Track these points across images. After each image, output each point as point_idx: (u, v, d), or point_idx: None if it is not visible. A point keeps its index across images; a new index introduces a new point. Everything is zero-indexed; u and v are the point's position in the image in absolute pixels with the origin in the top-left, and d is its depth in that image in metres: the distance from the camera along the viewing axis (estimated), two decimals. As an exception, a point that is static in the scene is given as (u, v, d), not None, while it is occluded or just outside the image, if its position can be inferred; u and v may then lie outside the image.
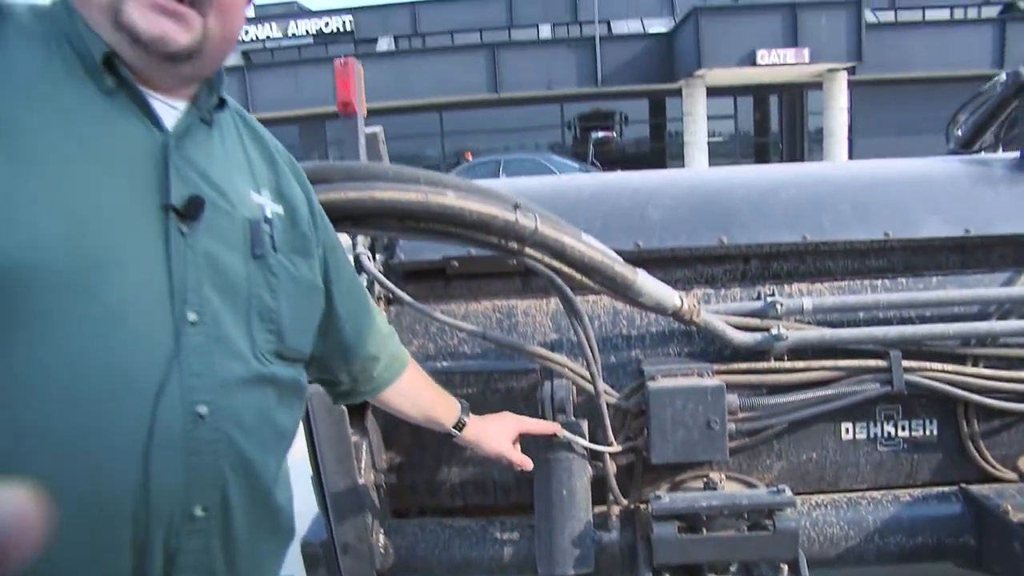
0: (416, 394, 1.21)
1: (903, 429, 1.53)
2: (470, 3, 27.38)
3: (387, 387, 1.17)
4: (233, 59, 28.46)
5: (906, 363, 1.46)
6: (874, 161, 1.91)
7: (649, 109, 24.13)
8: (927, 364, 1.48)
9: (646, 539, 1.28)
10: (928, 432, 1.53)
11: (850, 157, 19.07)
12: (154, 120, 0.82)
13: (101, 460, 0.73)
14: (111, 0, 0.79)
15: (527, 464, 1.31)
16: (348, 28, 28.01)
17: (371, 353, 1.12)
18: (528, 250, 1.20)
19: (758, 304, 1.52)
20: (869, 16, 19.91)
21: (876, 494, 1.51)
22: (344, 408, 1.35)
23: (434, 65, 21.72)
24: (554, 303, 1.58)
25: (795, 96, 22.32)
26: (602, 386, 1.36)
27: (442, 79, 21.14)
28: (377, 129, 1.90)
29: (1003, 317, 1.53)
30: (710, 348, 1.53)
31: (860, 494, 1.52)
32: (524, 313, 1.59)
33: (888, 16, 24.30)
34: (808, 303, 1.50)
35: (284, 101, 21.93)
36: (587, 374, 1.38)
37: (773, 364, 1.49)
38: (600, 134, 19.60)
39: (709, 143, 19.88)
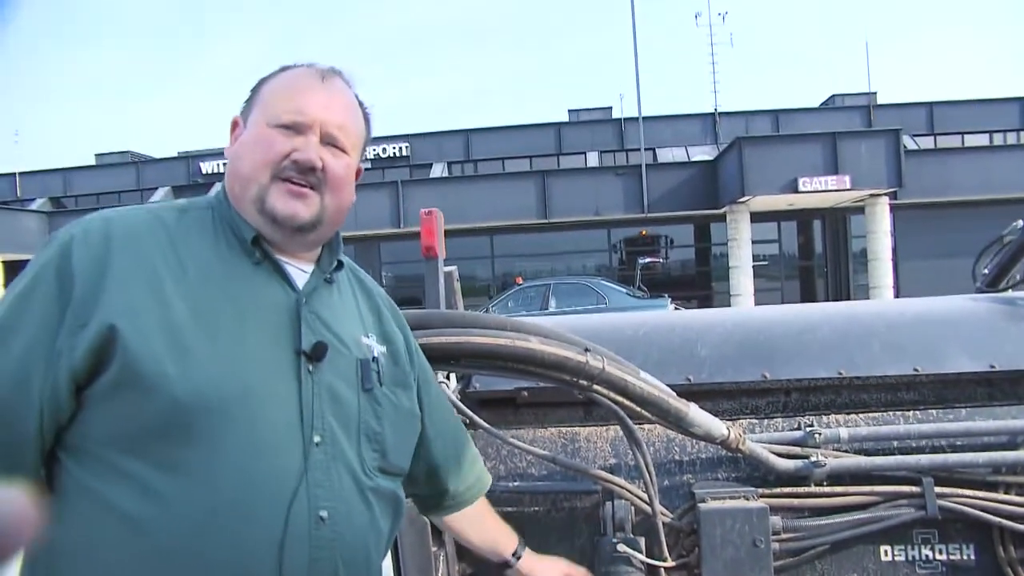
0: (483, 520, 1.39)
1: (940, 553, 1.63)
2: (520, 131, 28.81)
3: (467, 505, 1.36)
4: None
5: (939, 489, 1.59)
6: (903, 300, 2.09)
7: (694, 234, 24.60)
8: (960, 491, 1.60)
9: None
10: (965, 556, 1.63)
11: (895, 279, 19.03)
12: (289, 283, 1.07)
13: (253, 546, 0.94)
14: (258, 194, 1.06)
15: None
16: (404, 153, 29.55)
17: (459, 473, 1.32)
18: (596, 387, 1.41)
19: (799, 433, 1.68)
20: (908, 142, 20.39)
21: None
22: (427, 520, 1.53)
23: (485, 190, 22.59)
24: (613, 430, 1.76)
25: (838, 220, 22.58)
26: (659, 507, 1.52)
27: (493, 204, 21.92)
28: (453, 268, 2.18)
29: (1028, 448, 1.65)
30: (755, 474, 1.68)
31: None
32: (586, 439, 1.77)
33: (928, 142, 24.81)
34: (845, 433, 1.65)
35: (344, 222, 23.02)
36: (644, 496, 1.55)
37: (813, 489, 1.63)
38: (646, 259, 20.02)
39: (754, 267, 20.09)
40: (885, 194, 18.69)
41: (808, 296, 22.80)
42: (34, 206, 26.38)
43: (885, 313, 1.99)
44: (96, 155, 31.97)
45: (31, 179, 29.37)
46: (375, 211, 21.98)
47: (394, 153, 30.10)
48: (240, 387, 0.96)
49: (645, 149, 23.40)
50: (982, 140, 25.24)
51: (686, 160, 24.61)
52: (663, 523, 1.55)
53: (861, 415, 1.76)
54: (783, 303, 16.46)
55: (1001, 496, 1.61)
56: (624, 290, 15.66)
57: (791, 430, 1.72)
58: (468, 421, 1.69)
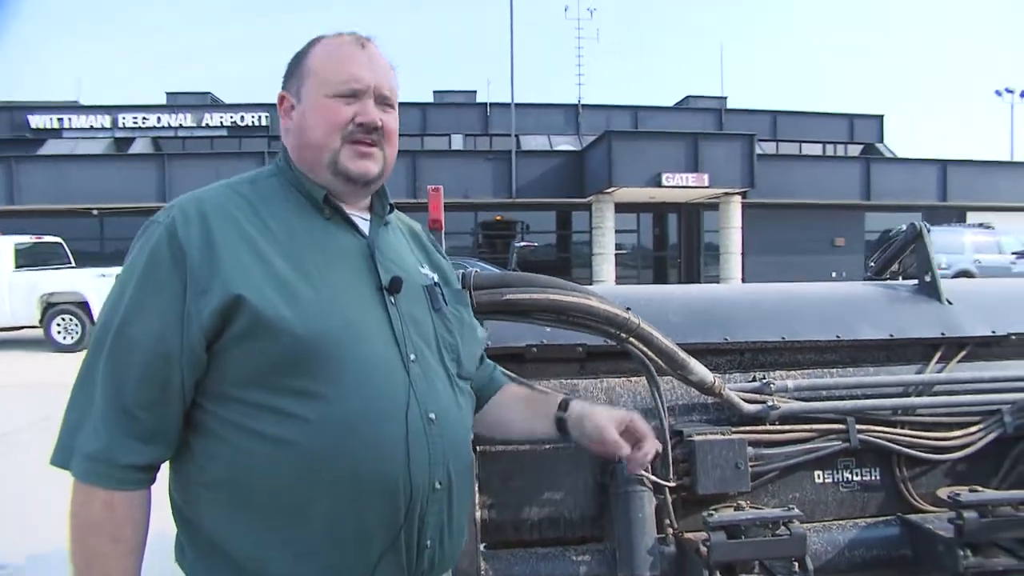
0: (521, 393, 1.58)
1: (856, 475, 2.12)
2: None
3: (499, 391, 1.55)
4: (142, 146, 28.28)
5: (858, 427, 2.07)
6: (825, 283, 2.60)
7: (556, 221, 25.51)
8: (871, 427, 2.09)
9: (695, 549, 1.79)
10: (873, 477, 2.13)
11: (743, 272, 20.84)
12: (357, 230, 1.24)
13: (386, 451, 1.09)
14: (332, 158, 1.20)
15: (622, 447, 1.43)
16: (263, 123, 28.47)
17: (483, 369, 1.55)
18: (631, 339, 1.76)
19: (757, 384, 2.11)
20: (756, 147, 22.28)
21: (842, 522, 2.08)
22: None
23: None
24: (606, 382, 2.11)
25: (692, 215, 24.27)
26: (667, 435, 1.89)
27: None
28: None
29: (918, 395, 2.18)
30: (721, 416, 2.10)
31: (831, 523, 2.08)
32: (584, 389, 2.11)
33: (771, 148, 27.16)
34: (791, 383, 2.10)
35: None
36: None
37: (768, 427, 2.07)
38: (522, 243, 20.64)
39: (615, 254, 21.25)
40: (738, 193, 20.35)
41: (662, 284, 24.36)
42: None
43: (813, 292, 2.48)
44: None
45: None
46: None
47: (252, 122, 28.91)
48: (344, 321, 1.11)
49: (510, 135, 24.02)
50: (816, 150, 27.96)
51: (549, 149, 25.40)
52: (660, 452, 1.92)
53: (797, 371, 2.22)
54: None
55: (899, 431, 2.12)
56: (498, 271, 16.11)
57: (747, 382, 2.15)
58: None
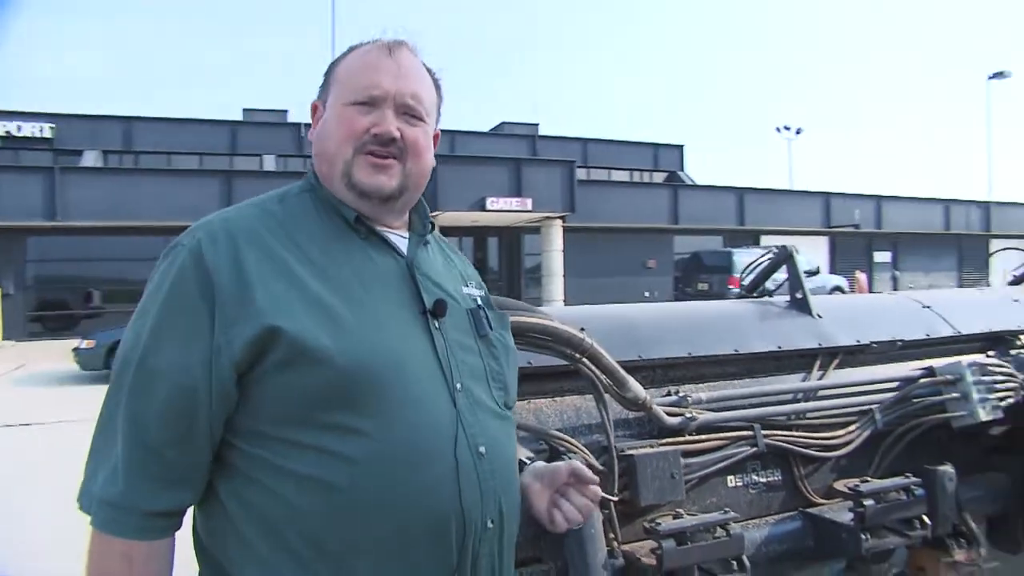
0: None
1: (762, 477, 2.32)
2: (191, 125, 26.76)
3: None
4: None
5: (764, 432, 2.27)
6: (716, 302, 2.82)
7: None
8: (773, 432, 2.30)
9: (639, 559, 1.88)
10: (776, 477, 2.34)
11: (565, 293, 21.78)
12: (396, 251, 1.16)
13: (436, 489, 1.03)
14: (344, 169, 1.14)
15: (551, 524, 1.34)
16: (46, 135, 25.79)
17: None
18: (584, 359, 1.81)
19: (675, 397, 2.24)
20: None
21: (755, 521, 2.26)
22: None
23: (158, 186, 20.48)
24: (533, 403, 2.15)
25: (513, 238, 25.05)
26: (615, 452, 1.96)
27: (168, 202, 19.73)
28: None
29: (807, 400, 2.43)
30: (643, 430, 2.21)
31: (744, 523, 2.25)
32: (541, 408, 2.14)
33: (583, 174, 28.74)
34: (704, 395, 2.26)
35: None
36: (574, 450, 1.97)
37: (687, 437, 2.21)
38: None
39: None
40: (559, 217, 21.27)
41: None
42: None
43: (708, 310, 2.68)
44: None
45: None
46: (17, 199, 18.93)
47: (32, 133, 26.13)
48: (387, 349, 1.03)
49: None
50: (624, 176, 29.96)
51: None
52: (597, 469, 1.99)
53: (701, 384, 2.40)
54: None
55: (794, 434, 2.34)
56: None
57: (663, 396, 2.28)
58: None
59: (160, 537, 1.00)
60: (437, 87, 1.25)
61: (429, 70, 1.24)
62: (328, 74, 1.22)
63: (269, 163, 26.66)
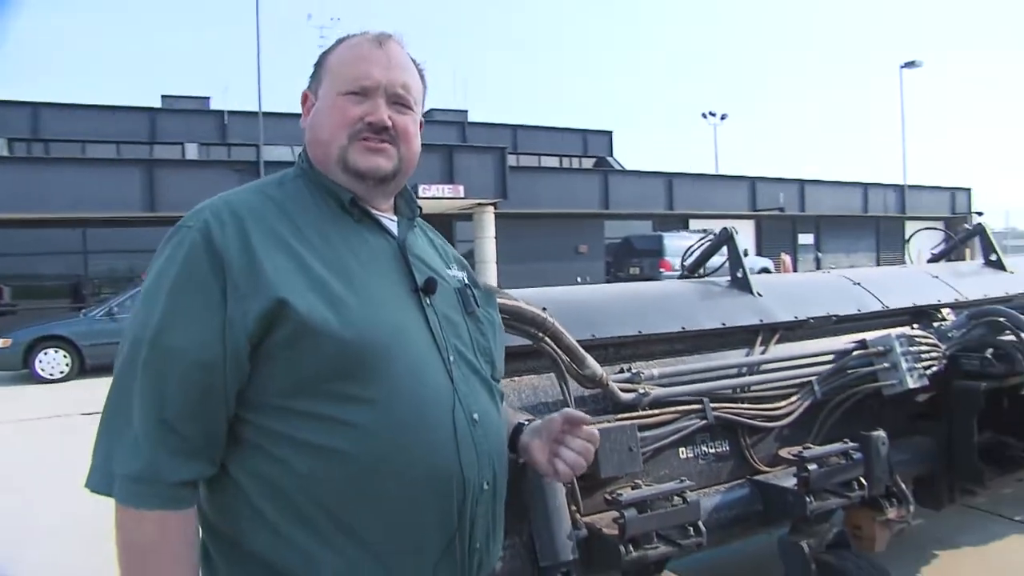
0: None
1: (711, 448, 2.43)
2: (106, 112, 25.66)
3: None
4: None
5: (712, 405, 2.37)
6: (662, 283, 2.91)
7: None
8: (721, 404, 2.41)
9: (601, 528, 1.95)
10: (724, 448, 2.45)
11: (498, 279, 21.86)
12: (387, 232, 1.22)
13: (439, 451, 1.09)
14: (340, 154, 1.19)
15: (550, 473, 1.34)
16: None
17: None
18: (546, 338, 1.87)
19: (628, 375, 2.33)
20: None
21: (707, 489, 2.37)
22: None
23: (71, 175, 19.51)
24: (516, 381, 2.19)
25: (445, 225, 24.96)
26: None
27: (82, 192, 18.86)
28: None
29: (751, 374, 2.55)
30: (598, 407, 2.28)
31: (698, 491, 2.36)
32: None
33: (512, 160, 28.83)
34: (656, 371, 2.35)
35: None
36: None
37: (641, 412, 2.29)
38: None
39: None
40: (491, 203, 21.29)
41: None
42: None
43: (655, 290, 2.78)
44: None
45: None
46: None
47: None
48: (388, 323, 1.09)
49: (251, 145, 22.86)
50: (554, 162, 30.19)
51: (293, 160, 24.70)
52: None
53: (652, 361, 2.49)
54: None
55: (741, 406, 2.46)
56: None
57: (616, 373, 2.36)
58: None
59: (188, 506, 1.03)
60: (422, 77, 1.31)
61: (414, 61, 1.29)
62: (318, 65, 1.26)
63: (192, 151, 25.79)
